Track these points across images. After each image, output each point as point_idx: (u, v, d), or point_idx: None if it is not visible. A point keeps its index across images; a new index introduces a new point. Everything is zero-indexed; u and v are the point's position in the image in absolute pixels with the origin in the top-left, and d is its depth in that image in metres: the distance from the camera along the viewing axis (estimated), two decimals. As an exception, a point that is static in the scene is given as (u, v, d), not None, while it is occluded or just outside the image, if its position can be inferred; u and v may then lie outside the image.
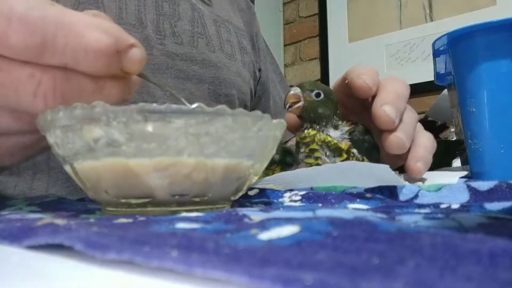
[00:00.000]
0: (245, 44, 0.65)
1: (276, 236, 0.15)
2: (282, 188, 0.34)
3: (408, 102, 0.43)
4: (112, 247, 0.13)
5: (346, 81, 0.43)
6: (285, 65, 2.39)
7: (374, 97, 0.41)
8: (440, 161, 0.49)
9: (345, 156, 0.40)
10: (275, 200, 0.31)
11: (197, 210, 0.24)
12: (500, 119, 0.39)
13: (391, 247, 0.13)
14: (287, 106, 0.42)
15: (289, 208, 0.25)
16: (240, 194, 0.27)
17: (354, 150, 0.40)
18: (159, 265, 0.12)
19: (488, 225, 0.17)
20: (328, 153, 0.40)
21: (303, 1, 2.37)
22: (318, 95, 0.41)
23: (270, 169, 0.43)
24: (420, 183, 0.38)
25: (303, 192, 0.30)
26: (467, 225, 0.17)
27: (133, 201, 0.24)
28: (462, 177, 0.38)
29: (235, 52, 0.62)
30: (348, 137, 0.41)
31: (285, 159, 0.44)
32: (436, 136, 0.56)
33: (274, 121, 0.26)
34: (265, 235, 0.15)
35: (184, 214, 0.22)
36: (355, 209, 0.24)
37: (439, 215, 0.20)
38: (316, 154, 0.40)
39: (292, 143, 0.46)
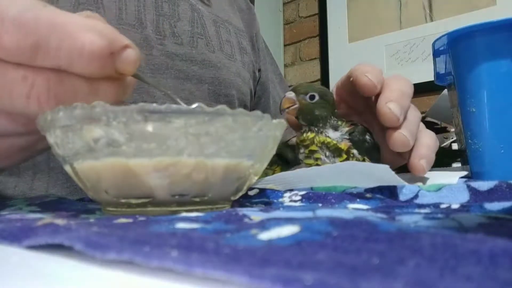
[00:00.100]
0: (244, 45, 0.65)
1: (276, 236, 0.15)
2: (282, 188, 0.34)
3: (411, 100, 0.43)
4: (112, 247, 0.13)
5: (351, 79, 0.43)
6: (285, 65, 2.39)
7: (378, 95, 0.42)
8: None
9: (344, 156, 0.40)
10: (275, 200, 0.31)
11: (197, 210, 0.24)
12: (500, 119, 0.39)
13: (391, 247, 0.13)
14: (283, 111, 0.42)
15: (289, 208, 0.25)
16: (240, 194, 0.27)
17: (354, 151, 0.40)
18: (159, 265, 0.12)
19: (488, 225, 0.17)
20: (327, 153, 0.40)
21: (303, 1, 2.37)
22: (312, 97, 0.42)
23: (270, 169, 0.43)
24: (420, 184, 0.38)
25: (303, 192, 0.30)
26: (467, 225, 0.17)
27: (133, 201, 0.24)
28: (462, 177, 0.37)
29: (235, 52, 0.62)
30: (347, 137, 0.41)
31: (285, 154, 0.44)
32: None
33: (274, 121, 0.26)
34: (265, 235, 0.15)
35: (184, 214, 0.22)
36: (355, 209, 0.24)
37: (439, 215, 0.20)
38: (316, 155, 0.40)
39: (292, 143, 0.46)
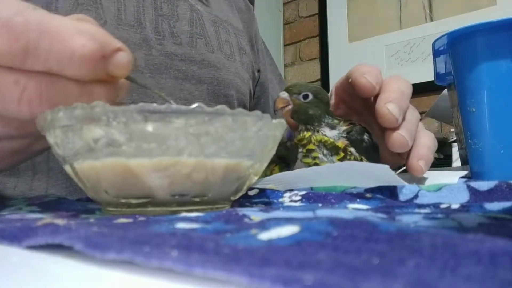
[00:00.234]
0: (244, 45, 0.65)
1: (276, 236, 0.15)
2: (282, 188, 0.34)
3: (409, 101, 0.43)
4: (112, 247, 0.13)
5: (350, 80, 0.43)
6: (285, 65, 2.39)
7: (377, 96, 0.42)
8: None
9: (342, 154, 0.40)
10: (275, 200, 0.31)
11: (197, 210, 0.24)
12: (500, 119, 0.39)
13: (391, 247, 0.13)
14: (277, 111, 0.42)
15: (289, 208, 0.25)
16: (240, 194, 0.27)
17: (352, 149, 0.40)
18: (159, 265, 0.12)
19: (488, 225, 0.17)
20: (325, 152, 0.40)
21: (303, 1, 2.37)
22: (306, 97, 0.42)
23: (268, 169, 0.43)
24: (420, 184, 0.38)
25: (303, 192, 0.30)
26: (467, 225, 0.17)
27: (133, 201, 0.24)
28: (462, 177, 0.37)
29: (234, 52, 0.62)
30: (345, 136, 0.41)
31: (280, 152, 0.44)
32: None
33: (274, 121, 0.26)
34: (265, 235, 0.15)
35: (184, 214, 0.22)
36: (355, 209, 0.24)
37: (439, 215, 0.20)
38: (314, 154, 0.40)
39: (284, 140, 0.46)
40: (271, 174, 0.42)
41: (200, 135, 0.22)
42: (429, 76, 0.60)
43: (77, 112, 0.22)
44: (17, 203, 0.30)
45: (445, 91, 0.68)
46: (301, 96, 0.42)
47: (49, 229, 0.17)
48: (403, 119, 0.40)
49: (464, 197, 0.28)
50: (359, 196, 0.29)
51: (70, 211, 0.27)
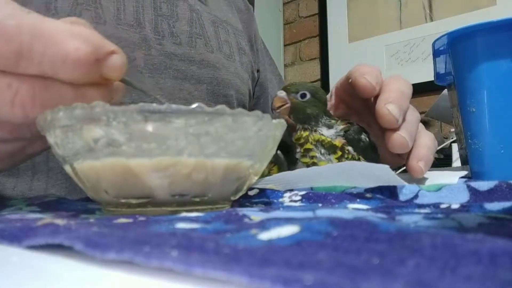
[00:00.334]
0: (243, 45, 0.65)
1: (276, 236, 0.15)
2: (282, 188, 0.34)
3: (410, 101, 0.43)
4: (112, 247, 0.13)
5: (350, 80, 0.43)
6: (285, 65, 2.39)
7: (377, 96, 0.42)
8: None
9: (339, 153, 0.40)
10: (275, 200, 0.31)
11: (197, 210, 0.24)
12: (500, 119, 0.39)
13: (391, 247, 0.13)
14: (274, 110, 0.42)
15: (289, 208, 0.25)
16: (240, 194, 0.27)
17: (349, 148, 0.40)
18: (159, 265, 0.12)
19: (488, 225, 0.17)
20: (323, 151, 0.41)
21: (303, 1, 2.37)
22: (303, 96, 0.42)
23: (267, 168, 0.43)
24: (420, 184, 0.38)
25: (303, 192, 0.30)
26: (467, 225, 0.17)
27: (133, 201, 0.24)
28: (462, 177, 0.37)
29: (234, 52, 0.62)
30: (342, 135, 0.41)
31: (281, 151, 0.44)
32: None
33: (274, 121, 0.26)
34: (265, 235, 0.15)
35: (184, 214, 0.22)
36: (355, 209, 0.24)
37: (439, 215, 0.20)
38: (311, 153, 0.41)
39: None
40: (269, 173, 0.42)
41: (200, 135, 0.22)
42: (429, 76, 0.60)
43: (77, 112, 0.22)
44: (17, 203, 0.30)
45: (445, 91, 0.68)
46: (298, 95, 0.42)
47: (49, 229, 0.17)
48: (403, 119, 0.40)
49: (464, 197, 0.28)
50: (359, 196, 0.29)
51: (70, 211, 0.27)
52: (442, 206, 0.24)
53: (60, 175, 0.46)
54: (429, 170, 0.42)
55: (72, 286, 0.12)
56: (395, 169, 0.46)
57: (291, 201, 0.30)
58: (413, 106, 0.43)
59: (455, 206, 0.23)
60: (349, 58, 2.09)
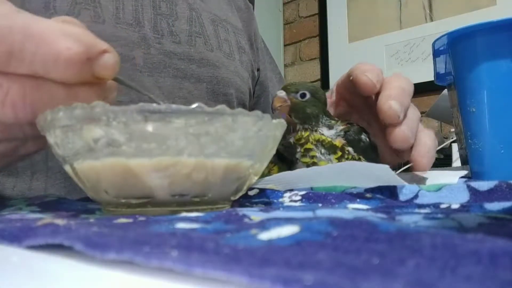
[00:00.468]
0: (243, 44, 0.65)
1: (276, 236, 0.15)
2: (282, 188, 0.34)
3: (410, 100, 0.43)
4: (112, 247, 0.13)
5: (351, 78, 0.43)
6: (285, 65, 2.39)
7: (378, 94, 0.42)
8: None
9: (339, 153, 0.40)
10: (275, 200, 0.31)
11: (197, 210, 0.24)
12: (500, 119, 0.39)
13: (391, 247, 0.13)
14: (274, 109, 0.42)
15: (289, 208, 0.25)
16: (240, 194, 0.27)
17: (349, 148, 0.41)
18: (159, 265, 0.12)
19: (488, 225, 0.17)
20: (323, 151, 0.41)
21: (303, 1, 2.37)
22: (303, 95, 0.42)
23: (267, 168, 0.43)
24: (420, 184, 0.38)
25: (303, 192, 0.30)
26: (467, 225, 0.17)
27: (133, 201, 0.24)
28: (462, 177, 0.37)
29: (233, 51, 0.62)
30: (343, 136, 0.41)
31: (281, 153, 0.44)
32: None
33: (274, 121, 0.26)
34: (265, 235, 0.15)
35: (184, 214, 0.22)
36: (355, 209, 0.24)
37: (439, 215, 0.20)
38: (312, 153, 0.41)
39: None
40: (269, 173, 0.42)
41: (200, 135, 0.22)
42: (429, 76, 0.60)
43: (77, 112, 0.22)
44: (17, 203, 0.30)
45: (445, 91, 0.68)
46: (298, 94, 0.42)
47: (49, 229, 0.17)
48: (405, 116, 0.40)
49: (464, 197, 0.28)
50: (359, 196, 0.29)
51: (70, 211, 0.27)
52: (442, 206, 0.24)
53: (59, 174, 0.46)
54: (429, 170, 0.43)
55: (72, 286, 0.12)
56: (395, 169, 0.46)
57: (291, 201, 0.30)
58: (413, 105, 0.43)
59: (455, 206, 0.23)
60: (349, 58, 2.09)
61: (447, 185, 0.29)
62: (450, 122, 0.72)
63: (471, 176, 0.43)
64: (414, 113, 0.42)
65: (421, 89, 1.57)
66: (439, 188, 0.29)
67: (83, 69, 0.24)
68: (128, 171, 0.23)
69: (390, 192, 0.30)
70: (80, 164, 0.24)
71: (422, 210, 0.23)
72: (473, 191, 0.28)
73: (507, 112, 0.39)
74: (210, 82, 0.57)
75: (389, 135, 0.40)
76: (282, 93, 0.43)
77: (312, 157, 0.41)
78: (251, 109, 0.68)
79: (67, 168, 0.25)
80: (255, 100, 0.70)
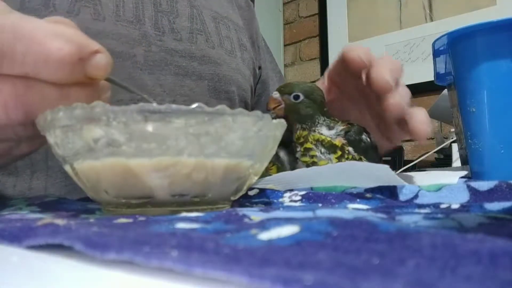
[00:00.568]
0: (244, 41, 0.65)
1: (276, 236, 0.15)
2: (282, 188, 0.34)
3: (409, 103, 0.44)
4: (112, 247, 0.13)
5: (341, 56, 0.44)
6: (285, 65, 2.39)
7: (368, 79, 0.43)
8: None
9: (339, 153, 0.40)
10: (275, 200, 0.31)
11: (197, 210, 0.24)
12: (500, 119, 0.39)
13: (391, 247, 0.13)
14: (269, 111, 0.43)
15: (289, 208, 0.25)
16: (240, 194, 0.27)
17: (349, 148, 0.41)
18: (159, 265, 0.12)
19: (488, 225, 0.17)
20: (323, 150, 0.41)
21: (303, 1, 2.37)
22: (297, 97, 0.42)
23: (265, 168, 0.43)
24: (420, 184, 0.38)
25: (303, 192, 0.30)
26: (467, 225, 0.17)
27: (133, 201, 0.24)
28: (462, 177, 0.37)
29: (235, 48, 0.62)
30: (343, 136, 0.41)
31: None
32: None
33: (274, 121, 0.26)
34: (265, 235, 0.15)
35: (184, 214, 0.22)
36: (355, 209, 0.24)
37: (439, 215, 0.20)
38: (311, 153, 0.41)
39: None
40: (267, 173, 0.42)
41: (200, 135, 0.22)
42: (429, 76, 0.60)
43: (77, 112, 0.22)
44: (17, 203, 0.30)
45: (445, 91, 0.68)
46: (291, 96, 0.42)
47: (49, 229, 0.17)
48: (397, 90, 0.42)
49: (464, 197, 0.28)
50: (359, 196, 0.29)
51: (70, 211, 0.27)
52: (442, 206, 0.24)
53: (60, 173, 0.46)
54: (429, 170, 0.43)
55: (72, 286, 0.12)
56: (395, 169, 0.47)
57: (291, 201, 0.30)
58: (404, 85, 0.44)
59: (455, 206, 0.23)
60: (349, 58, 2.08)
61: (447, 185, 0.29)
62: (450, 122, 0.72)
63: (471, 176, 0.43)
64: (405, 90, 0.44)
65: (421, 89, 1.58)
66: (439, 188, 0.29)
67: (75, 70, 0.24)
68: (128, 171, 0.23)
69: (390, 192, 0.30)
70: (80, 164, 0.24)
71: (422, 210, 0.23)
72: (473, 191, 0.28)
73: (507, 112, 0.39)
74: (211, 80, 0.56)
75: (383, 104, 0.42)
76: (276, 95, 0.43)
77: (312, 156, 0.41)
78: (252, 108, 0.68)
79: (67, 168, 0.25)
80: (256, 98, 0.70)
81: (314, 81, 0.50)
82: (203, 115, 0.22)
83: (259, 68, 0.70)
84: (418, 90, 1.55)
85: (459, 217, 0.18)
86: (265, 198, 0.31)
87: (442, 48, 0.46)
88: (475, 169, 0.42)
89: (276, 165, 0.44)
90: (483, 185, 0.28)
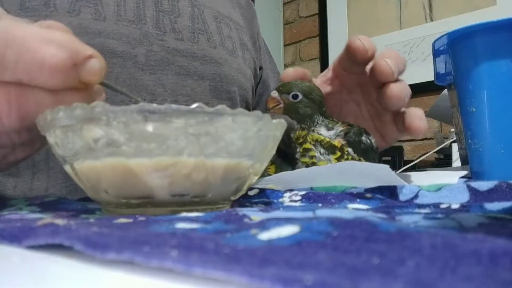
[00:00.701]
0: (245, 41, 0.65)
1: (276, 236, 0.15)
2: (282, 188, 0.34)
3: (408, 102, 0.44)
4: (112, 247, 0.13)
5: (346, 46, 0.45)
6: (285, 65, 2.39)
7: (371, 74, 0.44)
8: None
9: (339, 154, 0.40)
10: (275, 200, 0.31)
11: (197, 210, 0.24)
12: (500, 119, 0.39)
13: (391, 247, 0.13)
14: (268, 110, 0.43)
15: (289, 208, 0.25)
16: (240, 194, 0.27)
17: (349, 149, 0.41)
18: (159, 265, 0.12)
19: (488, 225, 0.17)
20: (322, 151, 0.41)
21: (303, 1, 2.37)
22: (295, 96, 0.42)
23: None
24: (420, 184, 0.38)
25: (303, 192, 0.30)
26: (467, 225, 0.17)
27: (133, 201, 0.24)
28: (462, 177, 0.37)
29: (236, 48, 0.62)
30: (343, 137, 0.41)
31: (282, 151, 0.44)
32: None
33: (274, 121, 0.26)
34: (265, 235, 0.15)
35: (184, 214, 0.22)
36: (355, 209, 0.24)
37: (439, 215, 0.20)
38: (311, 153, 0.41)
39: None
40: (266, 173, 0.42)
41: (200, 135, 0.22)
42: (429, 76, 0.60)
43: (77, 112, 0.22)
44: (17, 203, 0.30)
45: (445, 91, 0.68)
46: (290, 95, 0.42)
47: (49, 229, 0.17)
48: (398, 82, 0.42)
49: (464, 197, 0.28)
50: (359, 196, 0.29)
51: (70, 211, 0.26)
52: (442, 206, 0.24)
53: (60, 174, 0.46)
54: (429, 170, 0.43)
55: (72, 286, 0.12)
56: (395, 169, 0.47)
57: (291, 201, 0.30)
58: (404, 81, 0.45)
59: (455, 206, 0.23)
60: (349, 58, 2.08)
61: (447, 185, 0.29)
62: (450, 122, 0.72)
63: (471, 176, 0.43)
64: (406, 84, 0.44)
65: (421, 89, 1.58)
66: (439, 188, 0.29)
67: (69, 75, 0.24)
68: (128, 171, 0.23)
69: (390, 192, 0.30)
70: (80, 164, 0.24)
71: (422, 210, 0.23)
72: (473, 191, 0.28)
73: (507, 112, 0.38)
74: (213, 80, 0.56)
75: (385, 92, 0.42)
76: (275, 94, 0.43)
77: (312, 157, 0.41)
78: (253, 107, 0.68)
79: (67, 168, 0.25)
80: (257, 98, 0.70)
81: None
82: (203, 115, 0.22)
83: (260, 68, 0.70)
84: (418, 90, 1.55)
85: (459, 217, 0.18)
86: (265, 198, 0.31)
87: (442, 48, 0.46)
88: (475, 169, 0.42)
89: (275, 164, 0.44)
90: (483, 185, 0.28)
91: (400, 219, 0.19)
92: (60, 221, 0.18)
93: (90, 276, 0.13)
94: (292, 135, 0.43)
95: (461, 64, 0.42)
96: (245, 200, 0.31)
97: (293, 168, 0.42)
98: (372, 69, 0.43)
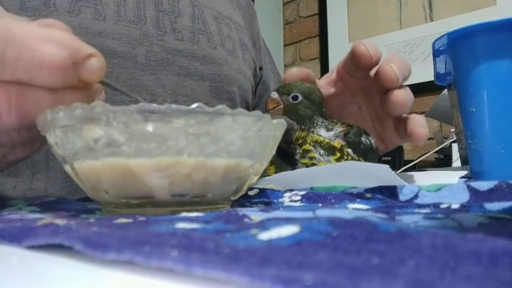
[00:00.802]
0: (246, 41, 0.65)
1: (276, 236, 0.15)
2: (282, 188, 0.34)
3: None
4: (112, 247, 0.13)
5: (351, 50, 0.45)
6: (285, 65, 2.39)
7: (375, 79, 0.44)
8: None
9: (338, 154, 0.40)
10: (275, 200, 0.31)
11: (197, 210, 0.24)
12: (500, 119, 0.39)
13: (391, 247, 0.13)
14: (267, 111, 0.43)
15: (289, 208, 0.25)
16: (240, 194, 0.27)
17: (349, 150, 0.41)
18: (159, 265, 0.12)
19: (488, 225, 0.17)
20: (321, 152, 0.41)
21: (303, 1, 2.37)
22: (295, 98, 0.42)
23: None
24: (420, 184, 0.38)
25: (303, 192, 0.30)
26: (467, 225, 0.17)
27: (133, 201, 0.24)
28: (462, 177, 0.37)
29: (236, 48, 0.62)
30: (342, 138, 0.41)
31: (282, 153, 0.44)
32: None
33: (274, 121, 0.26)
34: (265, 235, 0.15)
35: (184, 214, 0.22)
36: (355, 209, 0.24)
37: (439, 215, 0.20)
38: (310, 154, 0.41)
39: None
40: (265, 173, 0.42)
41: (200, 135, 0.22)
42: (429, 76, 0.60)
43: (77, 112, 0.22)
44: (17, 203, 0.30)
45: (445, 91, 0.68)
46: (290, 97, 0.42)
47: (49, 229, 0.17)
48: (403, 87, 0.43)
49: (464, 197, 0.28)
50: (359, 196, 0.29)
51: (70, 211, 0.26)
52: (442, 206, 0.24)
53: (60, 174, 0.46)
54: (429, 170, 0.43)
55: (72, 286, 0.12)
56: (395, 169, 0.47)
57: (291, 201, 0.30)
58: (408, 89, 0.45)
59: (455, 206, 0.23)
60: (349, 58, 2.08)
61: (447, 185, 0.29)
62: (450, 122, 0.72)
63: (471, 176, 0.43)
64: (410, 92, 0.44)
65: (421, 89, 1.58)
66: (439, 188, 0.29)
67: (69, 74, 0.24)
68: (128, 171, 0.23)
69: (390, 192, 0.30)
70: (80, 164, 0.24)
71: (422, 210, 0.23)
72: (473, 191, 0.28)
73: (507, 112, 0.38)
74: (213, 80, 0.56)
75: (389, 98, 0.42)
76: (275, 95, 0.43)
77: (311, 158, 0.41)
78: (253, 108, 0.68)
79: (67, 168, 0.25)
80: (257, 99, 0.70)
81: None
82: (203, 115, 0.22)
83: (260, 69, 0.70)
84: (418, 90, 1.55)
85: (459, 217, 0.18)
86: (265, 198, 0.31)
87: (442, 48, 0.46)
88: (475, 169, 0.42)
89: (275, 164, 0.44)
90: (483, 185, 0.28)
91: (400, 219, 0.19)
92: (60, 221, 0.18)
93: (90, 276, 0.13)
94: (292, 135, 0.43)
95: (461, 64, 0.42)
96: (245, 200, 0.31)
97: (293, 169, 0.42)
98: (376, 74, 0.43)
